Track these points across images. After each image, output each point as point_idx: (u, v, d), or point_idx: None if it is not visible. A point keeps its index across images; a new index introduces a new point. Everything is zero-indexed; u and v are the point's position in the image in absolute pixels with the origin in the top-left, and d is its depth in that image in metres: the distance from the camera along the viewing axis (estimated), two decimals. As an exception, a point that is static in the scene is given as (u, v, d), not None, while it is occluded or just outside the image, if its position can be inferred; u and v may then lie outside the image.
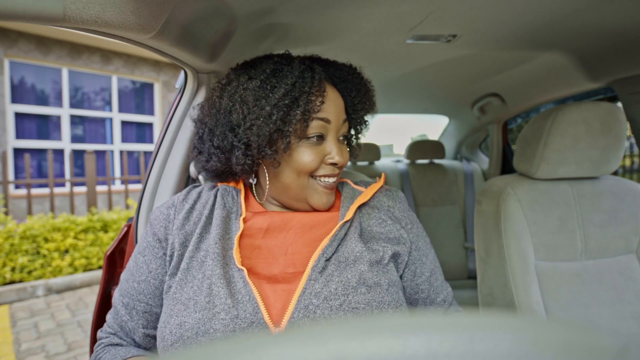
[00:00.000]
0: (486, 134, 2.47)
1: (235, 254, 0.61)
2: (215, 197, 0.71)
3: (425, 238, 0.73)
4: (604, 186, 1.01)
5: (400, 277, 0.68)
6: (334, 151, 0.67)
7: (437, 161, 2.42)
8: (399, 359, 0.14)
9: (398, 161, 2.52)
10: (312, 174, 0.67)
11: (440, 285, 0.73)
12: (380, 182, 0.76)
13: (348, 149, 0.78)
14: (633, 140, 1.21)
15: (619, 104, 1.20)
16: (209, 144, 0.68)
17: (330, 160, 0.67)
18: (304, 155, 0.65)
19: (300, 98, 0.63)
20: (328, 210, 0.71)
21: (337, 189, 0.77)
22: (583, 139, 0.94)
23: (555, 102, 1.74)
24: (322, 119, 0.65)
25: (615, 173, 1.07)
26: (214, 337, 0.53)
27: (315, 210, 0.70)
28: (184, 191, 0.72)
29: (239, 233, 0.64)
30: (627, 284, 0.95)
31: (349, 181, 0.78)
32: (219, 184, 0.75)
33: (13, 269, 3.40)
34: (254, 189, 0.75)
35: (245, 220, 0.67)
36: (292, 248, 0.64)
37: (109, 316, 0.69)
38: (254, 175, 0.72)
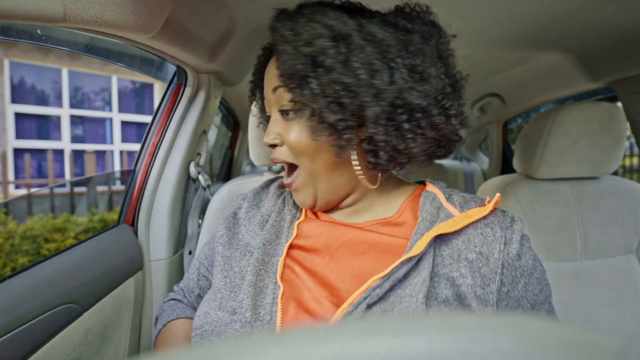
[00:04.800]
0: (486, 134, 2.47)
1: (280, 264, 0.52)
2: (284, 195, 0.64)
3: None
4: (604, 186, 1.01)
5: None
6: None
7: (437, 161, 2.41)
8: (399, 359, 0.14)
9: None
10: None
11: None
12: (486, 209, 0.50)
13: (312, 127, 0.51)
14: (633, 140, 1.21)
15: (619, 104, 1.20)
16: None
17: None
18: None
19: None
20: (389, 221, 0.55)
21: (419, 202, 0.56)
22: (583, 139, 0.94)
23: (555, 102, 1.74)
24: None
25: (615, 173, 1.07)
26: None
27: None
28: (263, 182, 0.70)
29: (290, 240, 0.55)
30: (627, 284, 0.95)
31: (438, 191, 0.56)
32: None
33: (13, 269, 3.40)
34: None
35: (299, 226, 0.58)
36: (334, 274, 0.50)
37: (185, 274, 0.74)
38: None
